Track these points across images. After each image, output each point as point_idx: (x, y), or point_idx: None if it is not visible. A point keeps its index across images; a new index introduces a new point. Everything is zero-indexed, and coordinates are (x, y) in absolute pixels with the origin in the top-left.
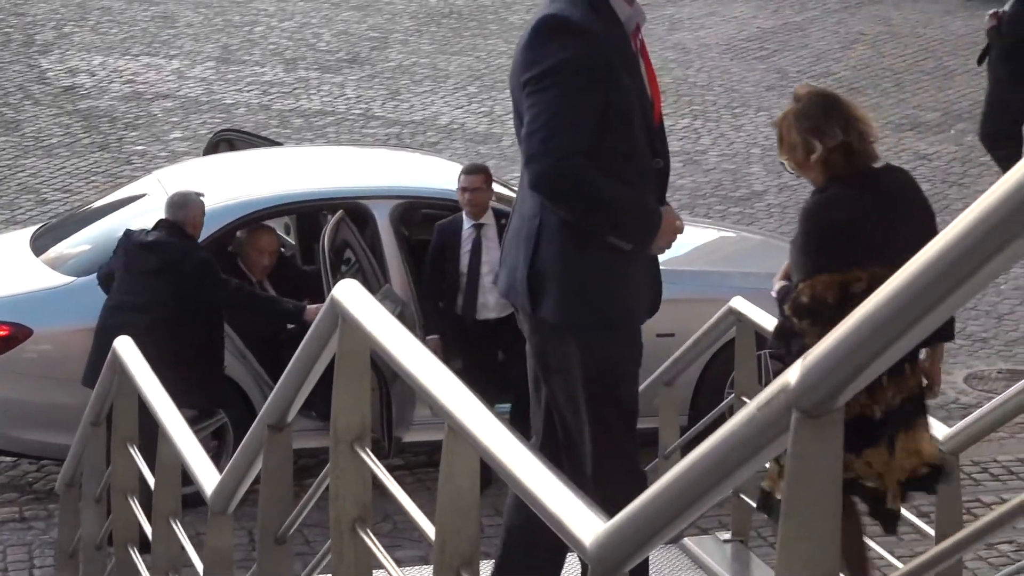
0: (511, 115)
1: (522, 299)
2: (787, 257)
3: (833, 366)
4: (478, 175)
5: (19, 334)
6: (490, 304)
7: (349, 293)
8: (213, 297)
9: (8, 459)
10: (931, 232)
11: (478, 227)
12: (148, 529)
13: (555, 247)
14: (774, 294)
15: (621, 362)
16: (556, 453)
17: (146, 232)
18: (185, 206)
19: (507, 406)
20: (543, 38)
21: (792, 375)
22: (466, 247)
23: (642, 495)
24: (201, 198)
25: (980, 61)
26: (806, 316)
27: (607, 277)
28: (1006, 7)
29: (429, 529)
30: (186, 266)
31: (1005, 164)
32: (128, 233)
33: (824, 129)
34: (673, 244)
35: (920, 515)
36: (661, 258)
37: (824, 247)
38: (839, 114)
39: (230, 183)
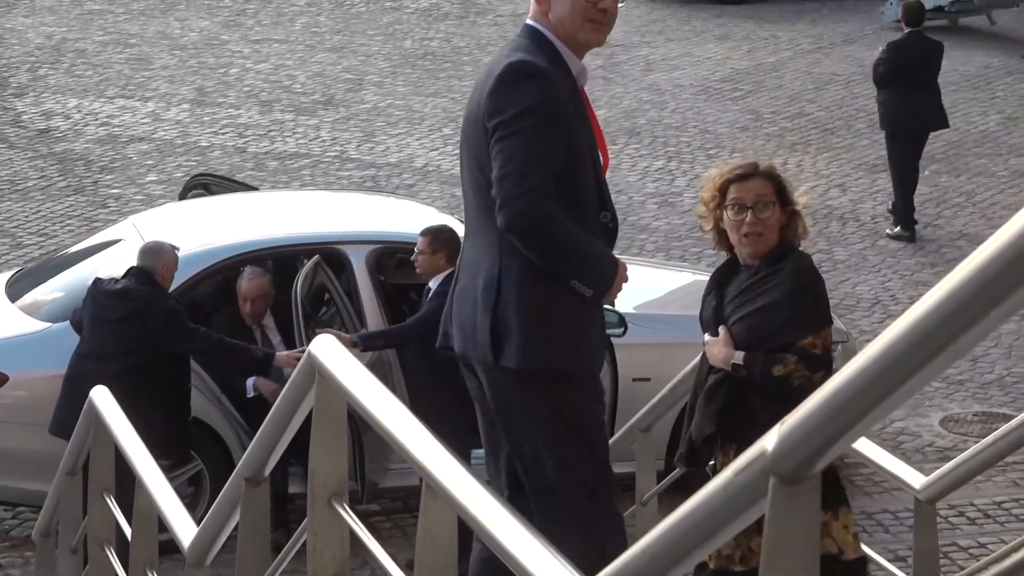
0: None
1: (482, 351)
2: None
3: (810, 432)
4: (423, 237)
5: None
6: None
7: (326, 348)
8: (179, 347)
9: None
10: None
11: (427, 290)
12: None
13: (518, 294)
14: (738, 362)
15: (586, 407)
16: (526, 508)
17: (115, 280)
18: (158, 254)
19: None
20: (511, 83)
21: (769, 441)
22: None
23: (620, 558)
24: (176, 251)
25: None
26: (820, 368)
27: (570, 324)
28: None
29: None
30: (152, 316)
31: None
32: (97, 281)
33: None
34: (644, 287)
35: (896, 559)
36: (636, 301)
37: (825, 301)
38: None
39: (206, 228)
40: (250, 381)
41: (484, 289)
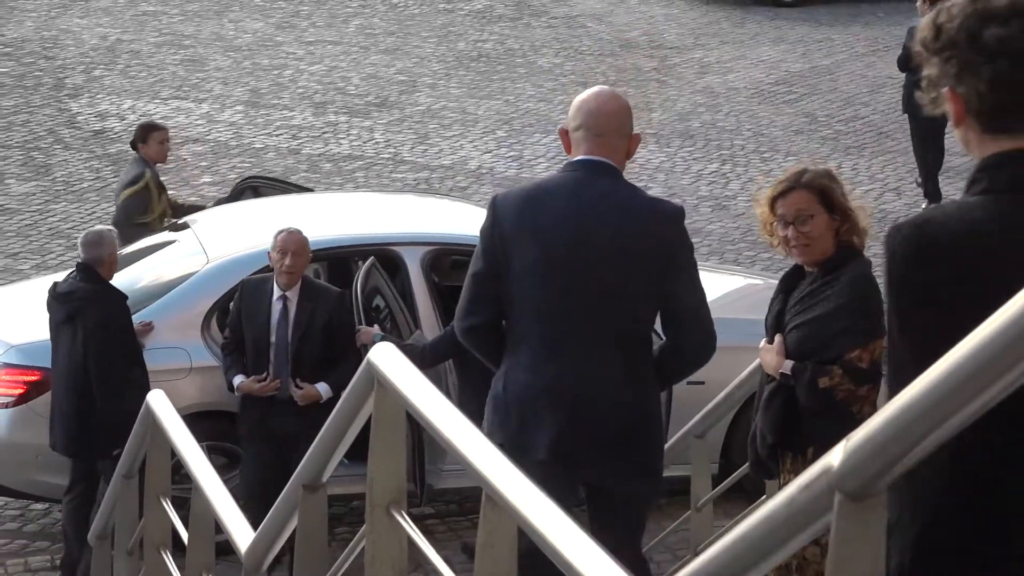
0: (538, 160)
1: (641, 465)
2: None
3: (877, 449)
4: None
5: (49, 379)
6: None
7: (385, 356)
8: (123, 346)
9: (40, 507)
10: None
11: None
12: None
13: (659, 408)
14: (787, 371)
15: None
16: None
17: (65, 280)
18: (99, 244)
19: None
20: (682, 227)
21: (835, 457)
22: None
23: (682, 572)
24: (113, 233)
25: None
26: (866, 382)
27: None
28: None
29: None
30: (90, 315)
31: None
32: (52, 285)
33: None
34: None
35: None
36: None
37: (879, 312)
38: None
39: (260, 230)
40: (237, 380)
41: (639, 406)
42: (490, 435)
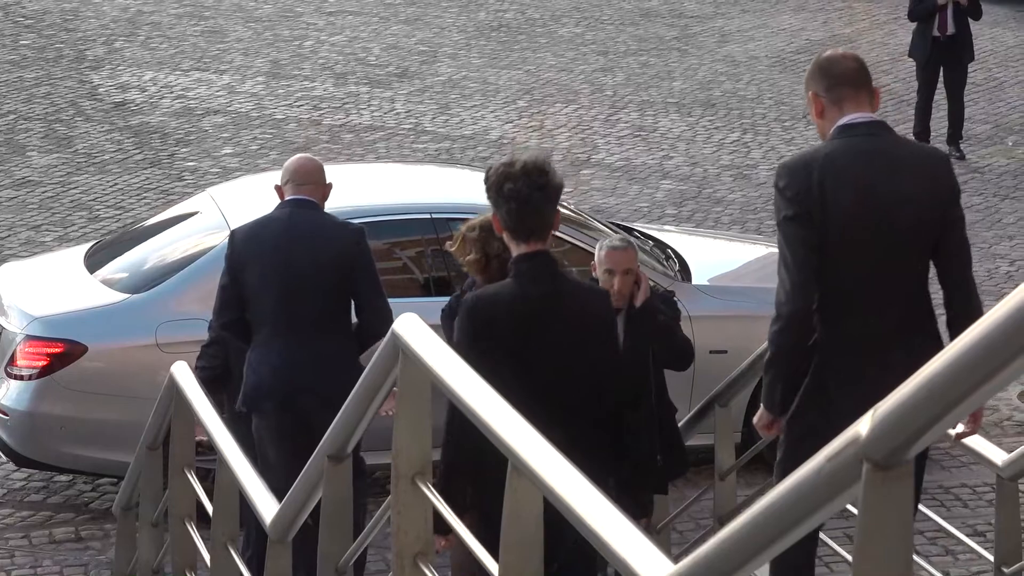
0: (559, 130)
1: None
2: None
3: (905, 417)
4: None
5: (74, 351)
6: None
7: (410, 327)
8: None
9: (64, 478)
10: None
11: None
12: (206, 554)
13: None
14: None
15: None
16: None
17: None
18: None
19: None
20: (365, 243)
21: (863, 426)
22: None
23: (710, 541)
24: None
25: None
26: None
27: None
28: None
29: (493, 567)
30: None
31: None
32: None
33: None
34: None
35: (975, 534)
36: (711, 273)
37: None
38: None
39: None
40: None
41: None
42: None
